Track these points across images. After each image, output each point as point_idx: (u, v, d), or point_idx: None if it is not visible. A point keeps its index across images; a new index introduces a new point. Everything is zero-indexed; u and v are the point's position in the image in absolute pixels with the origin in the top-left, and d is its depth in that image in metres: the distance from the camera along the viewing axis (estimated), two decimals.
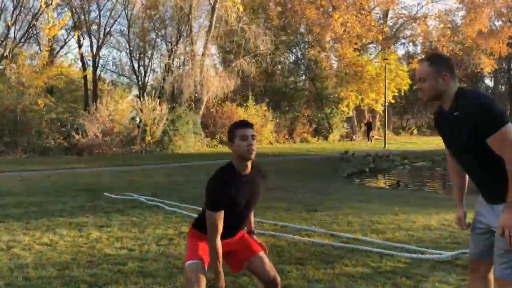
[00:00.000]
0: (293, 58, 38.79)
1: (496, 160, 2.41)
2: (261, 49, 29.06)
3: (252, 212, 3.13)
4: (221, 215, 2.73)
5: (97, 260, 4.44)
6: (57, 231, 5.65)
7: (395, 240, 5.25)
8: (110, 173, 12.43)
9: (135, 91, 40.25)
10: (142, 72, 40.65)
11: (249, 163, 2.82)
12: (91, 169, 13.59)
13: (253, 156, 2.75)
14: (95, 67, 36.95)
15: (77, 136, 19.41)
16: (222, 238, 2.80)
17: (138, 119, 21.62)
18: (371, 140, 30.36)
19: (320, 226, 6.02)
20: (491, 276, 2.67)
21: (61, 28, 21.41)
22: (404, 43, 43.37)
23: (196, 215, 3.20)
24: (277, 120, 31.14)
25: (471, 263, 2.74)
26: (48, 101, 20.82)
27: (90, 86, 36.22)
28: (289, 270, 4.14)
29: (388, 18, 38.93)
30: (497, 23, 44.25)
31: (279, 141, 30.46)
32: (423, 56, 2.68)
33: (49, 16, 19.80)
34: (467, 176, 2.80)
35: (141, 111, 20.81)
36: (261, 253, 3.02)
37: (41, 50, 28.82)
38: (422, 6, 39.64)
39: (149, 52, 40.49)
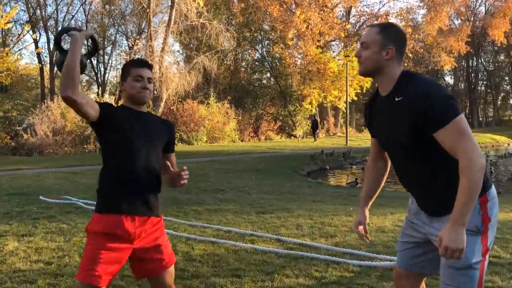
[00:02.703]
0: (257, 55, 38.41)
1: (440, 162, 2.01)
2: (224, 45, 28.49)
3: (173, 164, 2.56)
4: (94, 103, 2.26)
5: (3, 277, 3.86)
6: None
7: (345, 245, 4.88)
8: (56, 174, 11.67)
9: (95, 89, 39.16)
10: (102, 69, 39.62)
11: (142, 108, 2.46)
12: (36, 170, 12.75)
13: (146, 99, 2.40)
14: (52, 64, 35.61)
15: (25, 136, 18.38)
16: (129, 184, 2.31)
17: None
18: (316, 138, 28.47)
19: (268, 230, 5.59)
20: None
21: (8, 22, 20.20)
22: None
23: None
24: (241, 118, 30.66)
25: (398, 276, 2.33)
26: None
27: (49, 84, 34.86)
28: (222, 284, 3.68)
29: (351, 16, 39.08)
30: (456, 22, 45.23)
31: (243, 139, 30.00)
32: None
33: None
34: (382, 182, 2.43)
35: None
36: (171, 268, 2.47)
37: None
38: (384, 4, 39.78)
39: (109, 48, 39.44)
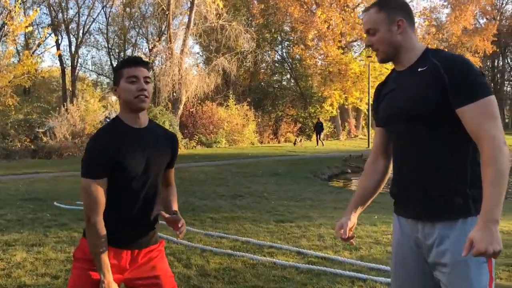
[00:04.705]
0: (277, 57, 38.13)
1: (457, 145, 1.71)
2: (243, 47, 28.28)
3: (173, 193, 2.29)
4: (101, 184, 1.91)
5: None
6: None
7: (371, 259, 4.53)
8: (73, 178, 11.55)
9: None
10: None
11: (142, 115, 2.04)
12: (54, 174, 12.68)
13: (145, 105, 1.99)
14: (73, 67, 35.95)
15: (45, 138, 18.40)
16: (119, 232, 1.99)
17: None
18: (322, 143, 26.39)
19: (287, 241, 5.28)
20: None
21: (29, 25, 20.29)
22: None
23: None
24: (260, 120, 30.38)
25: None
26: (15, 101, 19.73)
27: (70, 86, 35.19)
28: None
29: None
30: (481, 21, 44.15)
31: (263, 142, 29.72)
32: None
33: (16, 12, 18.73)
34: (379, 188, 2.05)
35: (115, 111, 19.85)
36: None
37: (17, 49, 27.84)
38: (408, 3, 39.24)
39: (129, 50, 39.63)
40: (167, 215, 2.14)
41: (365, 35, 1.94)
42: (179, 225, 2.09)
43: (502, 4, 46.50)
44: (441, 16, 38.84)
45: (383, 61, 1.89)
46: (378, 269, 4.19)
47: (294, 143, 26.85)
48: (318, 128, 26.73)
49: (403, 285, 1.91)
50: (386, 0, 1.86)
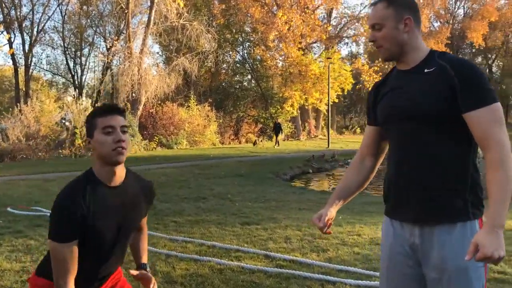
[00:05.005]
0: (238, 57, 38.07)
1: (461, 147, 1.69)
2: (204, 47, 28.01)
3: (143, 239, 2.14)
4: (70, 248, 1.75)
5: None
6: None
7: (339, 261, 4.51)
8: (27, 181, 11.07)
9: (72, 91, 38.21)
10: (79, 71, 38.73)
11: (119, 170, 1.88)
12: (6, 178, 12.10)
13: (122, 158, 1.82)
14: (27, 66, 34.66)
15: None
16: (85, 286, 1.85)
17: (68, 121, 19.98)
18: (278, 143, 26.31)
19: (254, 244, 5.20)
20: None
21: None
22: (347, 43, 43.84)
23: None
24: (221, 121, 30.22)
25: None
26: None
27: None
28: None
29: (332, 18, 39.04)
30: (436, 24, 45.56)
31: (224, 142, 29.58)
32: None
33: None
34: (364, 184, 2.01)
35: (71, 111, 19.22)
36: None
37: None
38: (365, 6, 39.90)
39: (86, 49, 38.62)
40: (135, 272, 2.00)
41: (368, 29, 1.88)
42: (151, 286, 1.96)
43: (455, 8, 48.18)
44: None
45: (387, 59, 1.84)
46: (346, 271, 4.17)
47: (254, 144, 26.56)
48: (277, 128, 26.70)
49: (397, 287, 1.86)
50: None
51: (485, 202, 1.72)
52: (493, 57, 52.84)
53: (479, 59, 55.35)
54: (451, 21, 46.36)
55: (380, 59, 32.74)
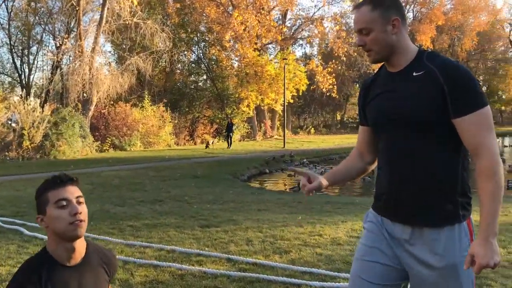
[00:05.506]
0: (194, 57, 37.68)
1: (450, 153, 1.69)
2: (159, 46, 27.50)
3: None
4: None
5: None
6: None
7: (302, 262, 4.46)
8: None
9: (19, 91, 36.60)
10: (26, 70, 37.15)
11: (78, 245, 1.72)
12: None
13: (82, 231, 1.68)
14: None
15: None
16: None
17: (14, 122, 19.07)
18: (228, 144, 25.93)
19: (215, 247, 5.06)
20: None
21: None
22: (302, 44, 44.26)
23: None
24: (176, 121, 29.78)
25: None
26: None
27: None
28: None
29: (287, 19, 39.34)
30: None
31: (179, 143, 29.16)
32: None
33: None
34: (360, 174, 2.03)
35: (18, 112, 18.33)
36: None
37: None
38: (319, 8, 40.61)
39: (34, 47, 37.09)
40: None
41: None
42: None
43: (405, 11, 49.63)
44: (350, 21, 40.58)
45: (375, 61, 1.80)
46: (311, 273, 4.12)
47: (206, 146, 25.51)
48: (229, 129, 26.32)
49: (366, 270, 1.84)
50: None
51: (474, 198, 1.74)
52: None
53: None
54: None
55: (334, 61, 33.39)
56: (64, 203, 1.67)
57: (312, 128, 44.53)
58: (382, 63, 1.87)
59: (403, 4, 41.64)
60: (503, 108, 59.53)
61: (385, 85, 1.81)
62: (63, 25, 34.34)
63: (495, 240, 1.57)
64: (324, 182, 1.91)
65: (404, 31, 1.76)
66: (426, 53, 1.75)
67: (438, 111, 1.64)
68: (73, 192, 1.70)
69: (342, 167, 2.04)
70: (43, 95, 34.53)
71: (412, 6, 47.93)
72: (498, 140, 37.13)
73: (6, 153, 18.18)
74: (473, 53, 51.60)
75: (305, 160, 19.31)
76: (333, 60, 33.52)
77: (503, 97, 56.86)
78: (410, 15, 49.84)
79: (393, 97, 1.75)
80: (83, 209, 1.70)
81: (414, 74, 1.71)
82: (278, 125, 38.57)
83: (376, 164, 2.02)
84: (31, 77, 37.68)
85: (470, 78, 1.64)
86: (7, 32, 35.63)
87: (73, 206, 1.67)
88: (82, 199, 1.72)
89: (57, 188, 1.69)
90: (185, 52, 35.87)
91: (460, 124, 1.63)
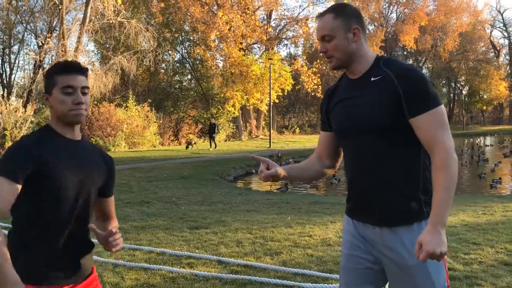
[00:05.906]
0: (178, 57, 37.48)
1: (412, 154, 1.78)
2: (143, 46, 27.30)
3: (111, 212, 1.96)
4: (12, 187, 1.58)
5: None
6: None
7: (294, 264, 4.46)
8: None
9: (0, 91, 35.98)
10: (7, 69, 36.60)
11: (77, 129, 1.81)
12: None
13: (82, 118, 1.75)
14: None
15: None
16: (49, 266, 1.68)
17: None
18: (210, 144, 25.08)
19: (206, 249, 5.04)
20: None
21: None
22: (286, 44, 44.37)
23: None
24: (161, 121, 29.58)
25: None
26: None
27: None
28: None
29: (272, 19, 39.37)
30: (370, 27, 47.18)
31: (163, 144, 28.97)
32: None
33: None
34: (317, 176, 2.10)
35: (0, 113, 18.05)
36: None
37: None
38: (304, 9, 40.79)
39: (16, 47, 36.56)
40: (100, 233, 1.78)
41: (318, 41, 1.90)
42: (112, 231, 1.78)
43: (388, 12, 50.14)
44: None
45: (335, 68, 1.88)
46: (303, 274, 4.12)
47: (187, 147, 24.72)
48: (212, 130, 25.76)
49: (351, 278, 1.92)
50: (342, 7, 1.86)
51: None
52: (423, 59, 55.50)
53: (411, 61, 58.04)
54: (385, 25, 48.22)
55: (319, 61, 33.54)
56: (70, 90, 1.72)
57: (297, 128, 44.65)
58: (344, 71, 1.95)
59: (387, 4, 42.09)
60: (484, 108, 60.44)
61: (346, 92, 1.90)
62: (46, 24, 33.90)
63: (443, 231, 1.63)
64: (281, 171, 1.95)
65: (363, 40, 1.85)
66: (383, 59, 1.84)
67: (396, 114, 1.73)
68: (80, 81, 1.74)
69: (301, 164, 2.11)
70: (25, 95, 34.02)
71: (396, 6, 48.41)
72: (479, 139, 37.44)
73: None
74: (455, 53, 52.33)
75: (291, 160, 19.33)
76: (318, 60, 33.67)
77: (484, 97, 57.74)
78: (393, 16, 50.38)
79: (354, 104, 1.84)
80: (86, 100, 1.75)
81: (372, 79, 1.80)
82: (264, 125, 38.58)
83: (334, 170, 2.12)
84: (13, 76, 37.17)
85: (422, 80, 1.73)
86: None
87: (77, 95, 1.73)
88: (87, 90, 1.77)
89: (66, 74, 1.73)
90: (170, 52, 35.69)
91: (415, 124, 1.72)
